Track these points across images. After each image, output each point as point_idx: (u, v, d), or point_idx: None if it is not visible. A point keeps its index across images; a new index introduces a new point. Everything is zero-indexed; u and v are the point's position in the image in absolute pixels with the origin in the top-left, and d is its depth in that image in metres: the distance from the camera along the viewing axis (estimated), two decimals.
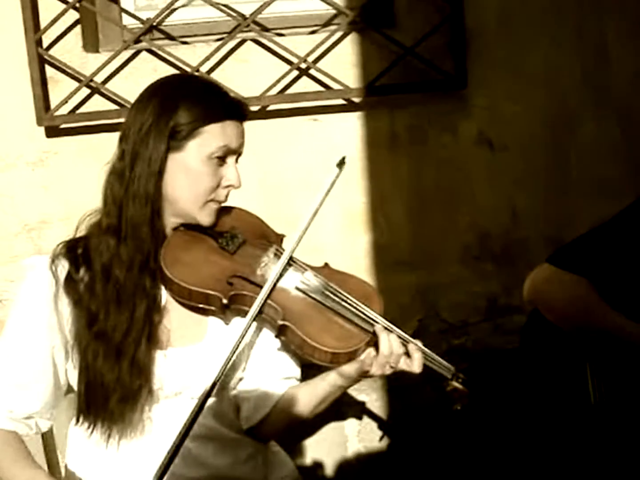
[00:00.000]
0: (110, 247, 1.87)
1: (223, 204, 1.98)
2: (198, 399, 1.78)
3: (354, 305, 1.91)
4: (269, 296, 1.87)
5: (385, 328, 1.91)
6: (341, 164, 2.01)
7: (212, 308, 1.90)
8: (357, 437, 3.06)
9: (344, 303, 1.91)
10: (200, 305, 1.90)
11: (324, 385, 1.96)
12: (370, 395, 3.03)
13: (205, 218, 1.93)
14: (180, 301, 1.91)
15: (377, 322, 1.90)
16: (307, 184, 2.81)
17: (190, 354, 1.91)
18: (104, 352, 1.86)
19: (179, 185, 1.89)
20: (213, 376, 1.80)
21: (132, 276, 1.87)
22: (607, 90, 3.01)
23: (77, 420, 1.94)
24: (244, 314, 1.89)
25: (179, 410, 1.87)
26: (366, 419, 3.05)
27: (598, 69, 3.00)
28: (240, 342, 1.83)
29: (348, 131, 2.93)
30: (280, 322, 1.87)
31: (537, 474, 2.35)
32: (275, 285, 1.89)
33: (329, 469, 3.06)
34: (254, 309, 1.84)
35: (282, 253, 1.94)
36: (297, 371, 2.04)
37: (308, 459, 3.04)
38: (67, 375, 1.94)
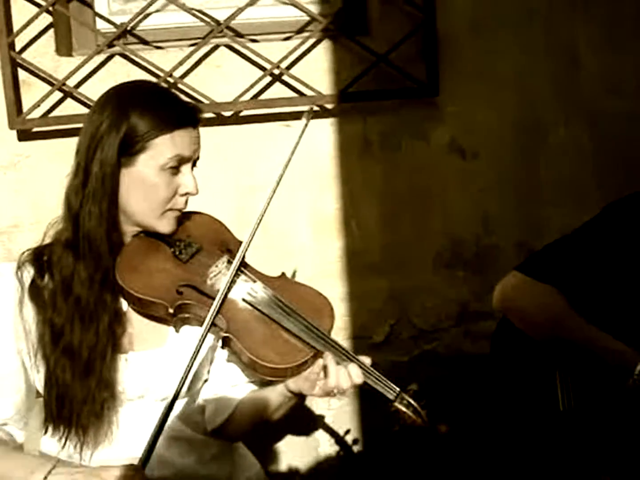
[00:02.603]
0: (69, 263, 1.87)
1: (185, 210, 1.97)
2: (164, 407, 1.78)
3: (301, 319, 1.88)
4: (219, 307, 1.85)
5: (331, 347, 1.87)
6: (309, 113, 2.00)
7: (160, 315, 1.89)
8: (328, 441, 3.07)
9: (291, 317, 1.88)
10: (150, 313, 1.90)
11: (276, 394, 1.96)
12: (342, 399, 3.04)
13: (164, 227, 1.93)
14: (133, 308, 1.91)
15: (324, 337, 1.87)
16: (278, 189, 2.81)
17: (152, 358, 1.91)
18: (71, 368, 1.86)
19: (134, 199, 1.88)
20: (175, 381, 1.80)
21: (92, 293, 1.86)
22: (577, 96, 3.04)
23: (46, 431, 1.94)
24: (193, 322, 1.89)
25: (143, 413, 1.89)
26: (337, 423, 3.06)
27: (568, 75, 3.03)
28: (197, 353, 1.81)
29: (321, 137, 2.94)
30: (224, 334, 1.85)
31: (506, 477, 2.37)
32: (225, 296, 1.87)
33: (301, 473, 3.06)
34: (208, 319, 1.82)
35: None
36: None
37: (280, 463, 3.04)
38: (35, 382, 1.93)
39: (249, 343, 1.84)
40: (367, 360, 1.89)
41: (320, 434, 3.07)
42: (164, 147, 1.86)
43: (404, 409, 1.85)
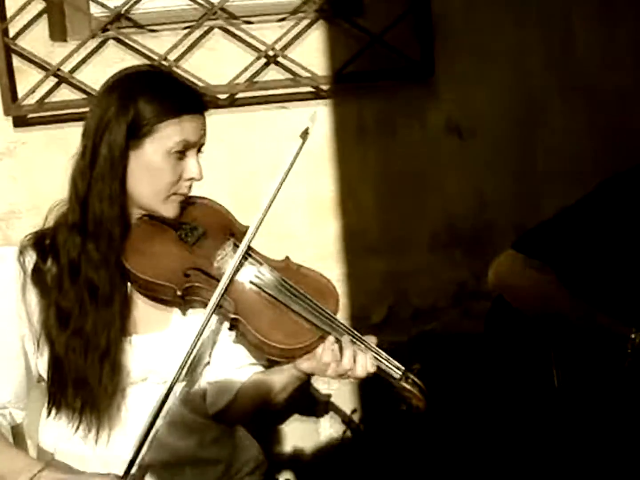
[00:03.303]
0: (76, 244, 1.86)
1: (189, 195, 1.97)
2: (165, 389, 1.79)
3: (308, 301, 1.90)
4: (226, 289, 1.86)
5: (338, 328, 1.89)
6: (305, 134, 2.00)
7: (168, 298, 1.90)
8: (329, 422, 3.08)
9: (297, 299, 1.90)
10: (157, 296, 1.91)
11: (282, 377, 1.97)
12: (342, 381, 3.05)
13: (168, 211, 1.93)
14: (140, 291, 1.92)
15: (330, 318, 1.89)
16: (275, 172, 2.81)
17: (156, 341, 1.92)
18: (84, 351, 1.85)
19: (140, 182, 1.89)
20: (178, 364, 1.81)
21: (105, 275, 1.86)
22: (573, 72, 3.03)
23: (49, 413, 1.94)
24: (200, 304, 1.90)
25: (146, 396, 1.89)
26: (338, 404, 3.07)
27: (564, 52, 3.02)
28: (200, 336, 1.83)
29: (316, 119, 2.93)
30: (232, 316, 1.86)
31: (503, 456, 2.38)
32: (232, 278, 1.88)
33: (302, 455, 3.08)
34: (212, 303, 1.84)
35: (239, 247, 1.93)
36: (261, 358, 2.05)
37: (281, 445, 3.05)
38: (37, 366, 1.94)
39: (257, 324, 1.85)
40: (373, 339, 1.90)
41: (320, 415, 3.08)
42: (171, 131, 1.86)
43: (409, 387, 1.86)
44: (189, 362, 1.85)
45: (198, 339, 1.82)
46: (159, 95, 1.87)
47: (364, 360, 1.86)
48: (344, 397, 3.07)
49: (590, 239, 2.18)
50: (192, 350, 1.82)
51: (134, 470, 1.78)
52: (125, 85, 1.89)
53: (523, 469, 2.26)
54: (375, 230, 3.02)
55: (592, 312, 2.15)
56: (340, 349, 1.85)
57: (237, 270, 1.89)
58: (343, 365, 1.85)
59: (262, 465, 2.14)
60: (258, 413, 2.07)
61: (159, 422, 1.84)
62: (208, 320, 1.84)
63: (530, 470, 2.23)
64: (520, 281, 2.24)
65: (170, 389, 1.80)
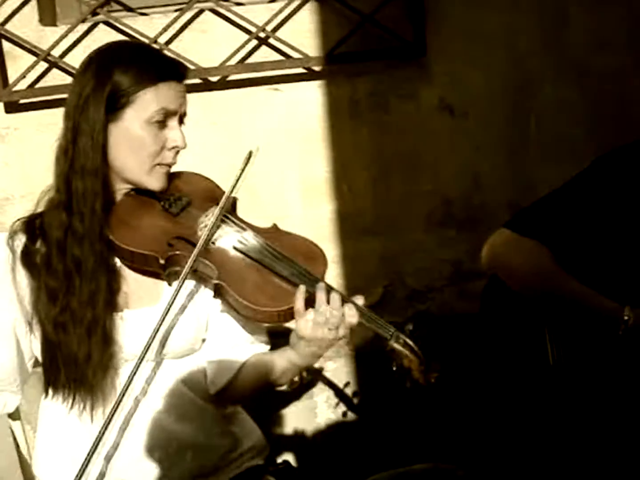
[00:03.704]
0: (62, 222, 1.87)
1: (176, 170, 1.98)
2: (135, 361, 1.80)
3: (293, 264, 1.89)
4: (204, 255, 1.86)
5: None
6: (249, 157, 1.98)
7: (152, 269, 1.90)
8: (326, 403, 3.09)
9: (282, 262, 1.89)
10: (142, 267, 1.91)
11: (282, 360, 1.96)
12: (338, 362, 3.06)
13: (154, 183, 1.93)
14: (126, 264, 1.92)
15: (316, 280, 1.87)
16: (269, 154, 2.81)
17: (147, 315, 1.90)
18: (72, 327, 1.86)
19: (122, 154, 1.89)
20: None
21: (89, 249, 1.86)
22: (567, 53, 3.02)
23: (47, 394, 1.94)
24: (191, 278, 1.91)
25: (141, 372, 1.87)
26: (334, 386, 3.08)
27: (557, 32, 3.01)
28: (174, 299, 1.82)
29: (309, 100, 2.93)
30: (215, 281, 1.86)
31: (498, 434, 2.39)
32: (208, 242, 1.88)
33: (300, 437, 3.09)
34: (188, 266, 1.83)
35: (224, 215, 1.93)
36: (262, 336, 2.04)
37: (278, 426, 3.06)
38: (32, 348, 1.94)
39: (240, 289, 1.85)
40: (360, 300, 1.88)
41: (318, 397, 3.09)
42: (149, 100, 1.86)
43: (400, 347, 1.84)
44: (164, 331, 1.86)
45: (168, 308, 1.81)
46: (133, 65, 1.87)
47: (346, 311, 1.82)
48: (340, 377, 3.08)
49: (584, 217, 2.17)
50: (164, 316, 1.81)
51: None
52: (100, 61, 1.89)
53: (519, 447, 2.27)
54: (369, 211, 3.02)
55: (586, 291, 2.15)
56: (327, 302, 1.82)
57: (215, 234, 1.90)
58: (320, 316, 1.82)
59: (264, 450, 2.13)
60: (259, 394, 2.07)
61: (155, 401, 1.85)
62: (183, 281, 1.83)
63: (527, 447, 2.24)
64: (514, 260, 2.23)
65: (141, 358, 1.79)
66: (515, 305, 2.24)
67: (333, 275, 3.00)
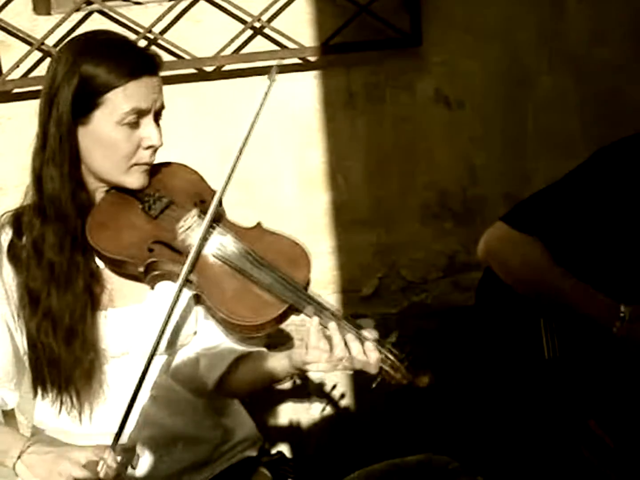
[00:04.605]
0: (37, 227, 1.84)
1: (153, 163, 1.90)
2: (145, 362, 1.76)
3: (274, 272, 1.81)
4: (183, 262, 1.79)
5: (304, 298, 1.80)
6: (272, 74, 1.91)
7: (132, 274, 1.85)
8: (320, 394, 3.08)
9: (262, 270, 1.81)
10: (123, 272, 1.87)
11: (281, 367, 1.91)
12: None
13: (133, 182, 1.87)
14: (107, 267, 1.88)
15: (298, 291, 1.80)
16: (263, 145, 2.80)
17: (132, 314, 1.88)
18: (54, 333, 1.83)
19: (96, 157, 1.83)
20: (154, 338, 1.77)
21: (64, 256, 1.83)
22: (563, 45, 3.01)
23: (35, 393, 1.93)
24: (167, 278, 1.85)
25: (129, 370, 1.86)
26: (329, 378, 3.07)
27: (554, 24, 3.00)
28: (171, 313, 1.77)
29: (304, 90, 2.91)
30: (194, 291, 1.82)
31: (492, 426, 2.39)
32: (199, 252, 1.81)
33: (295, 429, 3.08)
34: (181, 279, 1.77)
35: (204, 216, 1.84)
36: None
37: (273, 418, 3.06)
38: (24, 343, 1.92)
39: (219, 299, 1.79)
40: (338, 311, 1.81)
41: (312, 389, 3.08)
42: (119, 101, 1.79)
43: (380, 364, 1.76)
44: (164, 339, 1.81)
45: (170, 315, 1.77)
46: (101, 64, 1.79)
47: (358, 345, 1.75)
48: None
49: (583, 211, 2.16)
50: (165, 327, 1.77)
51: (123, 441, 1.75)
52: (68, 55, 1.82)
53: (513, 439, 2.27)
54: (364, 202, 3.01)
55: (582, 288, 2.13)
56: (330, 338, 1.77)
57: (203, 243, 1.82)
58: (335, 355, 1.76)
59: (257, 441, 2.12)
60: (254, 392, 2.05)
61: (144, 395, 1.82)
62: (178, 296, 1.78)
63: (521, 440, 2.24)
64: (510, 255, 2.22)
65: (149, 363, 1.76)
66: (511, 298, 2.23)
67: (328, 267, 3.00)
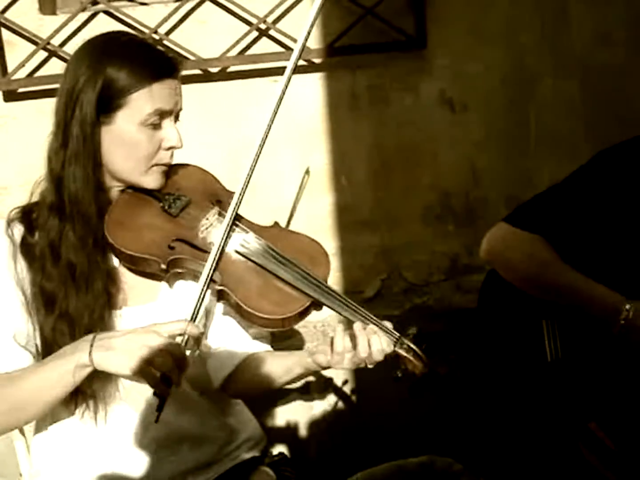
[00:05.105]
0: (55, 227, 1.83)
1: (175, 162, 1.93)
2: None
3: (297, 268, 1.85)
4: (207, 259, 1.82)
5: (327, 294, 1.85)
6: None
7: (153, 272, 1.87)
8: (322, 395, 3.09)
9: (285, 266, 1.85)
10: (142, 269, 1.88)
11: (297, 365, 1.93)
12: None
13: (151, 183, 1.89)
14: (125, 265, 1.89)
15: (320, 287, 1.85)
16: (267, 146, 2.80)
17: (145, 312, 1.89)
18: (71, 334, 1.82)
19: (117, 157, 1.84)
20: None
21: (84, 256, 1.83)
22: (566, 49, 3.02)
23: None
24: (186, 276, 1.89)
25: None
26: (331, 378, 3.08)
27: (558, 26, 3.01)
28: (197, 312, 1.78)
29: (309, 92, 2.92)
30: (218, 287, 1.83)
31: (495, 428, 2.39)
32: (222, 249, 1.84)
33: (297, 429, 3.09)
34: (204, 278, 1.79)
35: (224, 214, 1.88)
36: (263, 332, 2.03)
37: (274, 418, 3.06)
38: (34, 338, 1.88)
39: (243, 295, 1.82)
40: (359, 306, 1.87)
41: (314, 388, 3.09)
42: (142, 102, 1.80)
43: (404, 353, 1.81)
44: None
45: (195, 316, 1.77)
46: (125, 65, 1.80)
47: (379, 342, 1.81)
48: (337, 371, 3.07)
49: (585, 211, 2.16)
50: (195, 316, 1.77)
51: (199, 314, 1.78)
52: (91, 57, 1.82)
53: (515, 441, 2.27)
54: (368, 204, 3.02)
55: (586, 281, 2.13)
56: (353, 336, 1.81)
57: (219, 236, 1.84)
58: (359, 355, 1.80)
59: (261, 441, 2.13)
60: (260, 392, 2.06)
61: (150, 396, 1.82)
62: (204, 293, 1.79)
63: (523, 442, 2.24)
64: (513, 253, 2.22)
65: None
66: (514, 300, 2.23)
67: (331, 267, 3.00)
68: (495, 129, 3.04)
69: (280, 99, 1.91)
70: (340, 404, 3.11)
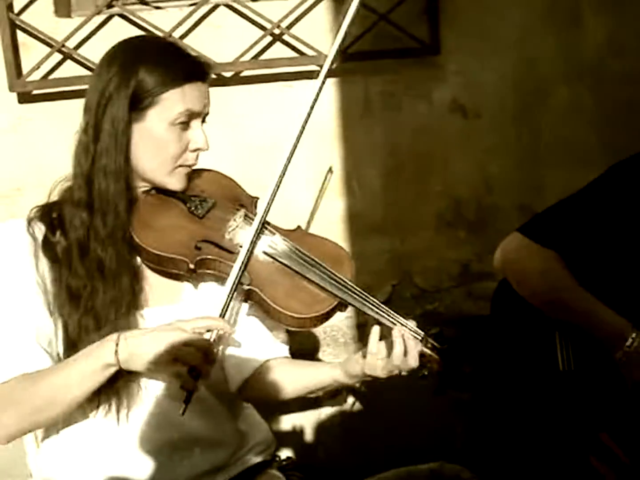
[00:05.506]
0: (84, 222, 1.84)
1: (195, 167, 1.95)
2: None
3: (323, 269, 1.88)
4: (246, 262, 1.85)
5: (353, 294, 1.86)
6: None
7: (180, 272, 1.88)
8: (330, 400, 3.09)
9: (312, 267, 1.88)
10: (169, 270, 1.89)
11: (326, 378, 1.94)
12: (341, 357, 3.05)
13: (175, 184, 1.91)
14: (150, 266, 1.90)
15: (346, 287, 1.87)
16: (279, 151, 2.80)
17: (167, 314, 1.88)
18: (97, 330, 1.82)
19: (145, 155, 1.86)
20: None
21: (113, 251, 1.84)
22: (579, 56, 3.03)
23: None
24: (211, 277, 1.90)
25: None
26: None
27: (571, 35, 3.02)
28: (225, 312, 1.81)
29: (322, 98, 2.90)
30: (247, 287, 1.85)
31: (506, 437, 2.38)
32: (251, 251, 1.87)
33: (305, 433, 3.09)
34: (233, 279, 1.82)
35: (251, 217, 1.92)
36: (281, 334, 2.03)
37: (283, 423, 3.06)
38: (56, 339, 1.88)
39: (273, 294, 1.85)
40: (385, 307, 1.86)
41: (321, 395, 3.07)
42: (174, 102, 1.83)
43: (429, 352, 1.82)
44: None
45: (224, 313, 1.80)
46: (159, 65, 1.84)
47: (414, 349, 1.80)
48: None
49: (600, 227, 2.13)
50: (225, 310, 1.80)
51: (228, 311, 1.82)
52: (124, 58, 1.85)
53: (526, 450, 2.27)
54: (379, 210, 3.03)
55: (596, 306, 2.12)
56: (391, 342, 1.80)
57: (246, 238, 1.87)
58: (393, 361, 1.80)
59: (271, 445, 2.13)
60: (274, 400, 2.05)
61: (168, 398, 1.83)
62: (233, 292, 1.82)
63: (534, 451, 2.23)
64: (527, 268, 2.20)
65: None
66: (526, 310, 2.22)
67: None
68: (507, 136, 3.04)
69: (312, 106, 2.00)
70: (349, 409, 3.11)
